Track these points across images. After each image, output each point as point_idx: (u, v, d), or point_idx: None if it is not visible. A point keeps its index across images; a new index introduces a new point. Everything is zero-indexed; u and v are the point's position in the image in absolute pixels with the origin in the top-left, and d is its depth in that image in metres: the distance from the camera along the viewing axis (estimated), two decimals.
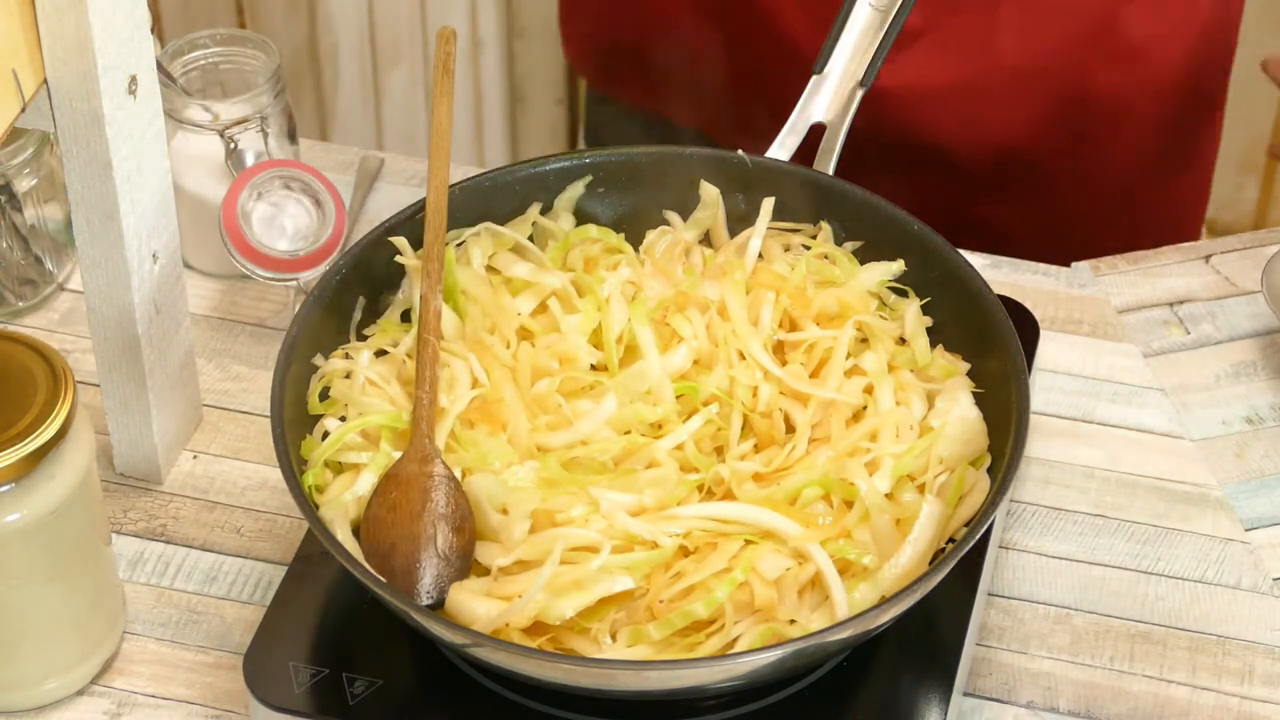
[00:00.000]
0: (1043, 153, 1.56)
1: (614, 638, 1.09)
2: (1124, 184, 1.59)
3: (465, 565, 1.12)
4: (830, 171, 1.28)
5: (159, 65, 1.29)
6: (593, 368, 1.21)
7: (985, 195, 1.58)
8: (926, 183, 1.52)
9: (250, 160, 1.39)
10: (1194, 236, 1.66)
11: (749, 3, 1.54)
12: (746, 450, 1.18)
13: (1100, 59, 1.52)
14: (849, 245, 1.27)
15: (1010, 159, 1.56)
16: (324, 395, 1.20)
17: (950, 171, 1.56)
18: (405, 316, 1.25)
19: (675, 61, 1.60)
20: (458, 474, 1.15)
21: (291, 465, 1.12)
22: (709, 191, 1.29)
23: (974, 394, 1.19)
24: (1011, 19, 1.50)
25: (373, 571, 1.10)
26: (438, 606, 1.11)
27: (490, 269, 1.25)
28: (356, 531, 1.14)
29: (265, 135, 1.39)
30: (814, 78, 1.30)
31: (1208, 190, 1.67)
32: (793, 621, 1.09)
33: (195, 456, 1.32)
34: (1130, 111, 1.55)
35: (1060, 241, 1.53)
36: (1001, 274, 1.45)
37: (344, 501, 1.14)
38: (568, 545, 1.10)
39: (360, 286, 1.23)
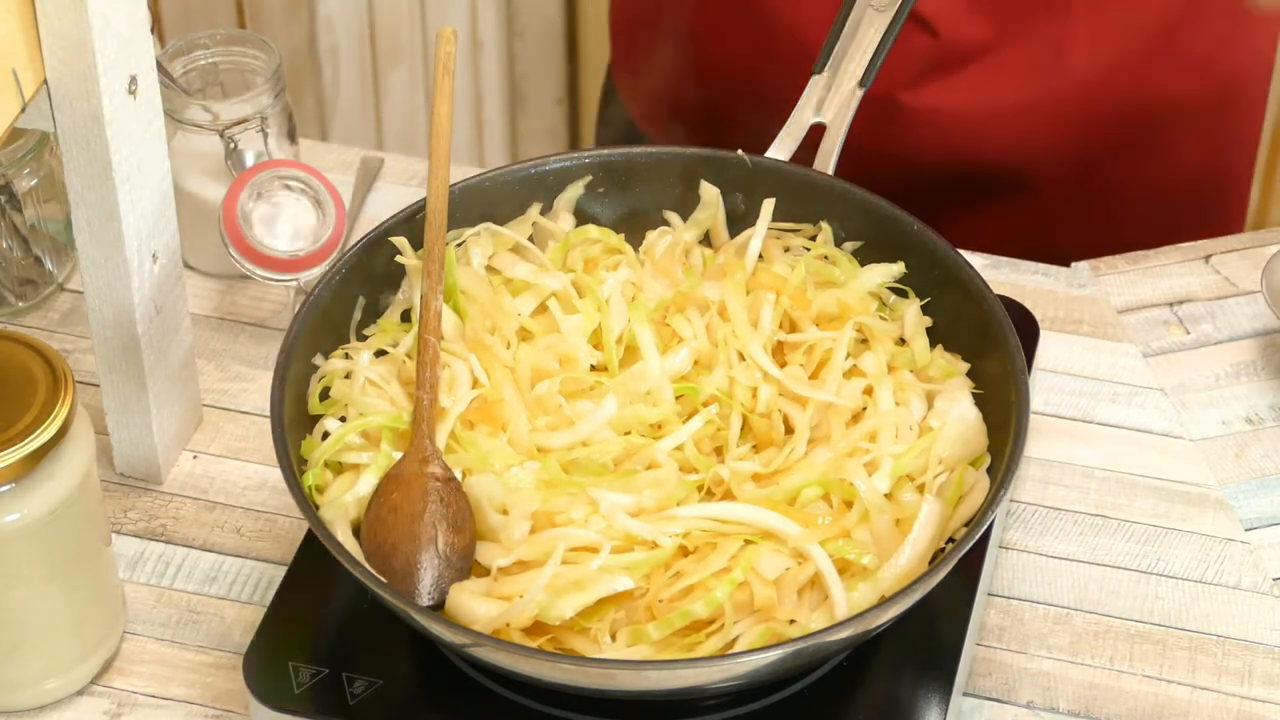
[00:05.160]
0: (1098, 162, 1.56)
1: (614, 638, 1.09)
2: (1179, 185, 1.59)
3: (466, 566, 1.12)
4: (830, 171, 1.28)
5: (159, 65, 1.29)
6: (593, 368, 1.21)
7: (1052, 210, 1.57)
8: (991, 206, 1.52)
9: (250, 160, 1.39)
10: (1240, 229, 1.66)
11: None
12: (746, 451, 1.18)
13: (1161, 71, 1.52)
14: (849, 245, 1.27)
15: (1067, 171, 1.55)
16: (324, 395, 1.20)
17: (1011, 190, 1.56)
18: (405, 316, 1.25)
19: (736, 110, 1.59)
20: (458, 475, 1.15)
21: (291, 465, 1.12)
22: (709, 191, 1.29)
23: (974, 394, 1.19)
24: (1078, 38, 1.49)
25: (373, 572, 1.10)
26: (438, 607, 1.11)
27: (490, 269, 1.25)
28: (357, 532, 1.14)
29: (265, 135, 1.39)
30: (814, 78, 1.30)
31: (1249, 185, 1.67)
32: (792, 621, 1.09)
33: (195, 456, 1.32)
34: (1186, 117, 1.55)
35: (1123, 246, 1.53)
36: (1001, 274, 1.45)
37: (344, 502, 1.14)
38: (568, 545, 1.10)
39: (360, 286, 1.23)
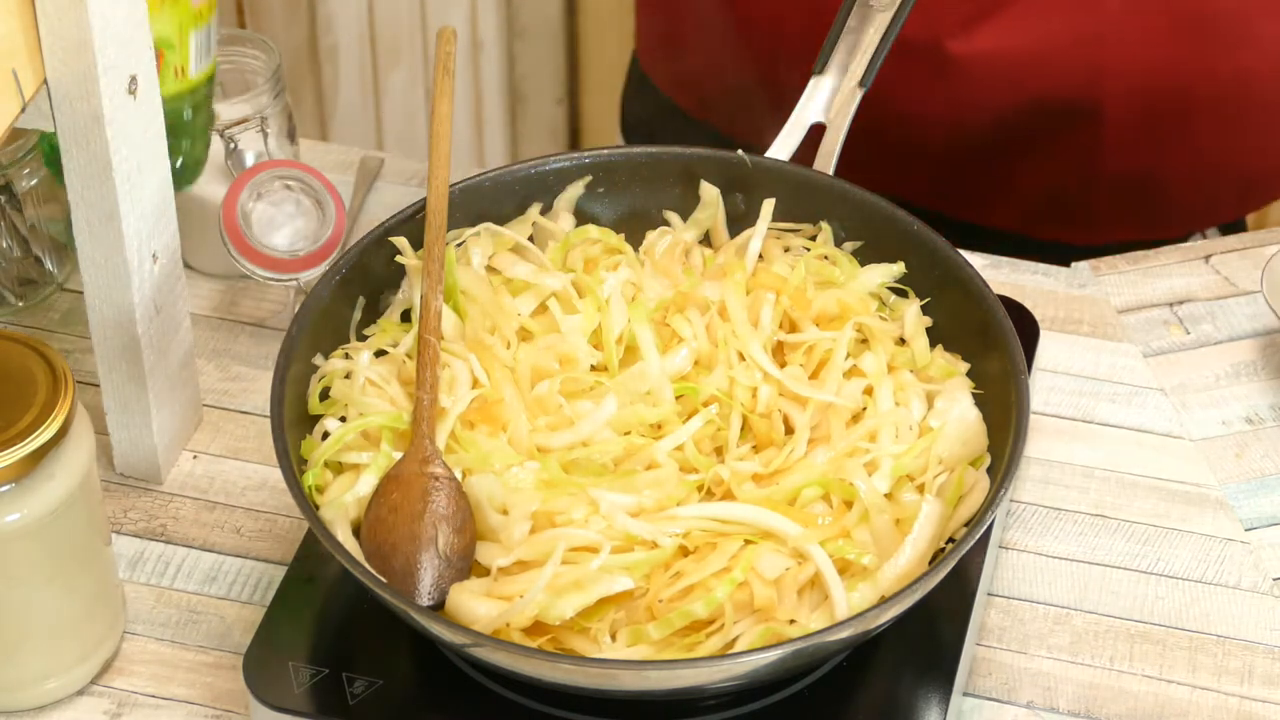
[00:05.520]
0: (1166, 74, 1.51)
1: (614, 638, 1.09)
2: (1244, 99, 1.54)
3: (466, 567, 1.12)
4: (830, 171, 1.28)
5: None
6: (593, 368, 1.21)
7: (1128, 145, 1.54)
8: (1055, 144, 1.49)
9: (250, 160, 1.39)
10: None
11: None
12: (746, 451, 1.18)
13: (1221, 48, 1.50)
14: (849, 245, 1.27)
15: (1134, 93, 1.52)
16: (324, 395, 1.20)
17: (1077, 123, 1.53)
18: (405, 316, 1.25)
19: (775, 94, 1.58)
20: (458, 475, 1.15)
21: (291, 465, 1.12)
22: (709, 191, 1.29)
23: (974, 394, 1.19)
24: None
25: (373, 572, 1.10)
26: (438, 607, 1.11)
27: (490, 269, 1.25)
28: (357, 532, 1.14)
29: (265, 135, 1.39)
30: (814, 78, 1.30)
31: None
32: (792, 621, 1.09)
33: (195, 456, 1.32)
34: (1251, 24, 1.51)
35: (1214, 187, 1.50)
36: (1001, 274, 1.45)
37: (344, 502, 1.14)
38: (568, 545, 1.10)
39: (360, 286, 1.23)
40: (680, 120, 1.68)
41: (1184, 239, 1.60)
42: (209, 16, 1.28)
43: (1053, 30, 1.49)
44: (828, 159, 1.28)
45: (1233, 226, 1.64)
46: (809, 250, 1.27)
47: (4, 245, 1.39)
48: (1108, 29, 1.44)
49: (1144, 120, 1.53)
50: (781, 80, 1.54)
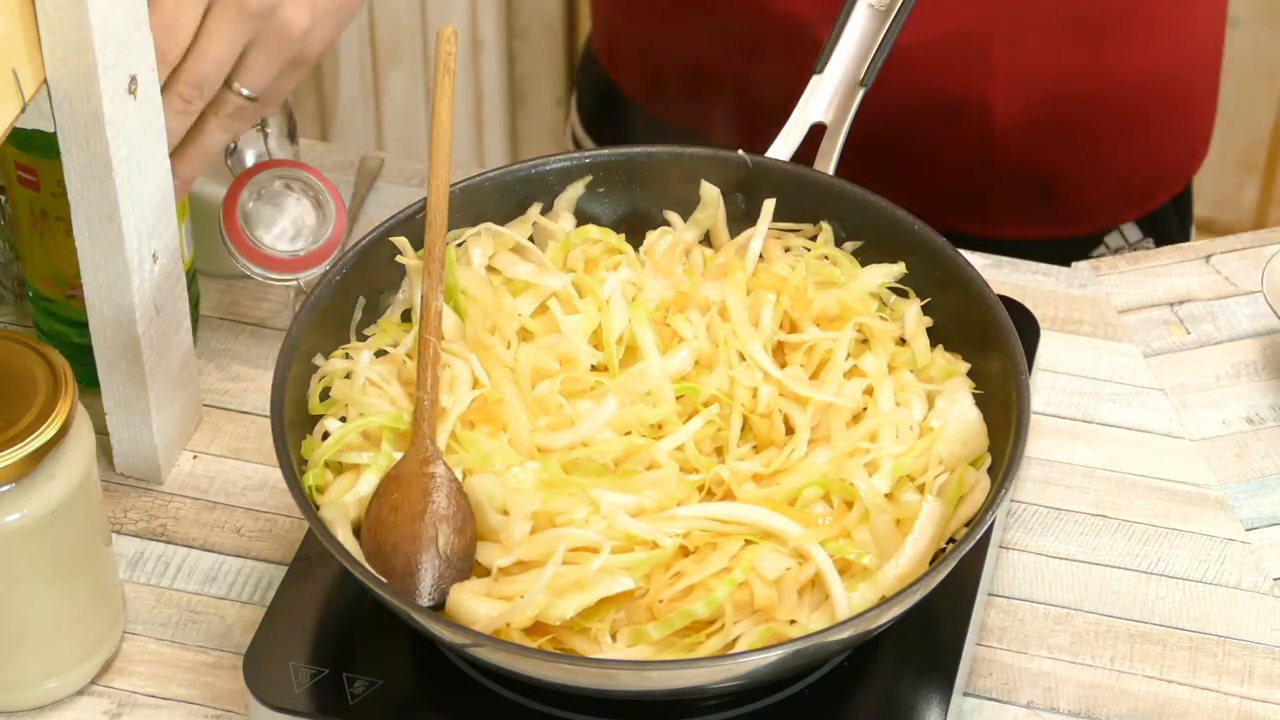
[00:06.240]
0: (1065, 79, 1.52)
1: (614, 638, 1.09)
2: (1142, 99, 1.56)
3: (466, 567, 1.12)
4: (830, 171, 1.28)
5: None
6: (593, 368, 1.21)
7: (1019, 142, 1.54)
8: (949, 136, 1.50)
9: (250, 160, 1.39)
10: (1198, 162, 1.64)
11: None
12: (746, 451, 1.18)
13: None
14: (849, 245, 1.27)
15: (1035, 99, 1.52)
16: (324, 395, 1.20)
17: (976, 122, 1.53)
18: (405, 316, 1.25)
19: (720, 83, 1.57)
20: (458, 474, 1.15)
21: (291, 465, 1.12)
22: (709, 191, 1.29)
23: (974, 394, 1.19)
24: None
25: (373, 572, 1.10)
26: (438, 607, 1.11)
27: (491, 269, 1.25)
28: (357, 532, 1.14)
29: (265, 135, 1.39)
30: (814, 78, 1.30)
31: (1214, 107, 1.65)
32: (793, 622, 1.09)
33: (195, 456, 1.32)
34: (1143, 20, 1.52)
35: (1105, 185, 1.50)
36: (1001, 274, 1.45)
37: (344, 502, 1.14)
38: (568, 546, 1.10)
39: (360, 286, 1.23)
40: (628, 110, 1.68)
41: (1098, 235, 1.60)
42: (183, 216, 1.29)
43: (943, 26, 1.49)
44: (828, 159, 1.28)
45: (1148, 221, 1.63)
46: (809, 250, 1.27)
47: (4, 245, 1.39)
48: (996, 28, 1.44)
49: (1035, 118, 1.53)
50: (726, 69, 1.54)
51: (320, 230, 1.35)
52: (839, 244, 1.27)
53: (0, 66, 1.11)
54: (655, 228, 1.29)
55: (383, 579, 1.10)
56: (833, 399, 1.18)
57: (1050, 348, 1.39)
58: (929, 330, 1.23)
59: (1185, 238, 1.66)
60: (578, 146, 1.74)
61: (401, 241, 1.23)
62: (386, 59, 2.56)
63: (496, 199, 1.28)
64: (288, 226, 1.35)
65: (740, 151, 1.28)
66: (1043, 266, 1.45)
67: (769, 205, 1.27)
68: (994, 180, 1.56)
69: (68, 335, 1.33)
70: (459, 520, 1.13)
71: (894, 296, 1.25)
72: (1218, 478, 1.32)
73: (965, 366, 1.21)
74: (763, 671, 1.08)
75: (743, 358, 1.20)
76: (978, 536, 1.09)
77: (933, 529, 1.13)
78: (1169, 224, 1.63)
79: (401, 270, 1.25)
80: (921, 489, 1.15)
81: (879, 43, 1.29)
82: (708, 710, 1.12)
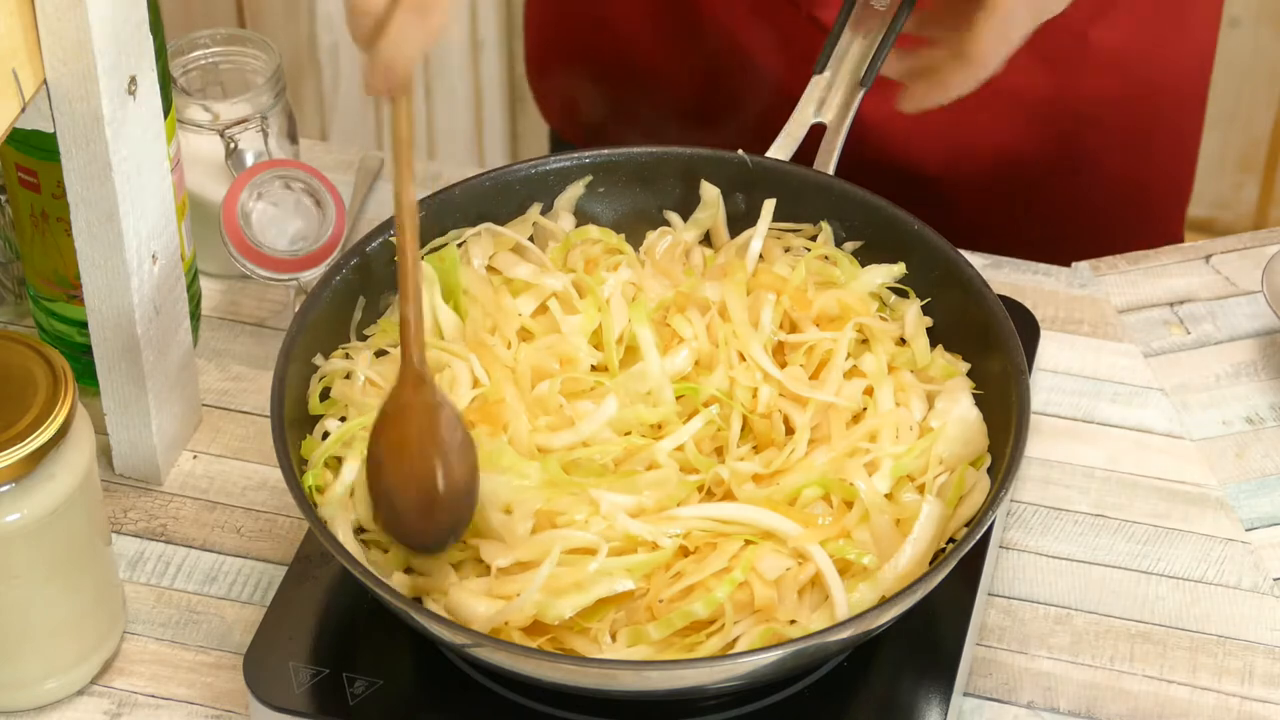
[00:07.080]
0: (1030, 166, 1.54)
1: (614, 638, 1.09)
2: (1112, 186, 1.58)
3: (471, 500, 1.11)
4: (830, 171, 1.28)
5: None
6: (593, 369, 1.21)
7: (979, 220, 1.56)
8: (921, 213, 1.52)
9: (250, 160, 1.39)
10: (1178, 237, 1.65)
11: (717, 35, 1.51)
12: (746, 451, 1.18)
13: (1076, 72, 1.50)
14: (849, 245, 1.27)
15: (996, 178, 1.54)
16: (324, 395, 1.20)
17: (942, 201, 1.54)
18: None
19: (655, 112, 1.57)
20: None
21: (291, 465, 1.12)
22: (709, 191, 1.29)
23: (974, 394, 1.19)
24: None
25: (373, 572, 1.10)
26: (455, 541, 1.10)
27: (491, 269, 1.25)
28: (357, 531, 1.14)
29: (265, 135, 1.39)
30: (814, 78, 1.30)
31: (1189, 190, 1.66)
32: (793, 621, 1.09)
33: (195, 456, 1.32)
34: (1113, 116, 1.54)
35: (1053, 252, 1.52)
36: (1001, 274, 1.45)
37: (344, 500, 1.14)
38: (567, 546, 1.10)
39: (360, 286, 1.23)
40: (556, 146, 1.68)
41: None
42: (183, 216, 1.29)
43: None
44: (828, 159, 1.28)
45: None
46: (809, 250, 1.27)
47: (4, 245, 1.39)
48: (963, 115, 1.44)
49: (993, 192, 1.54)
50: (646, 109, 1.54)
51: (320, 230, 1.35)
52: (839, 244, 1.27)
53: (0, 66, 1.11)
54: (655, 228, 1.30)
55: (383, 579, 1.10)
56: (833, 399, 1.18)
57: (1050, 348, 1.39)
58: (929, 330, 1.23)
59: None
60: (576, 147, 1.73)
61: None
62: None
63: (496, 199, 1.28)
64: (288, 226, 1.35)
65: (740, 151, 1.28)
66: (1043, 266, 1.45)
67: (769, 205, 1.27)
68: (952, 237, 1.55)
69: (68, 335, 1.33)
70: (459, 447, 1.10)
71: (894, 296, 1.25)
72: (1218, 478, 1.32)
73: (965, 366, 1.21)
74: (763, 671, 1.08)
75: (743, 358, 1.20)
76: (978, 536, 1.09)
77: (933, 529, 1.13)
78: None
79: None
80: (921, 489, 1.15)
81: (879, 43, 1.29)
82: (708, 710, 1.12)
